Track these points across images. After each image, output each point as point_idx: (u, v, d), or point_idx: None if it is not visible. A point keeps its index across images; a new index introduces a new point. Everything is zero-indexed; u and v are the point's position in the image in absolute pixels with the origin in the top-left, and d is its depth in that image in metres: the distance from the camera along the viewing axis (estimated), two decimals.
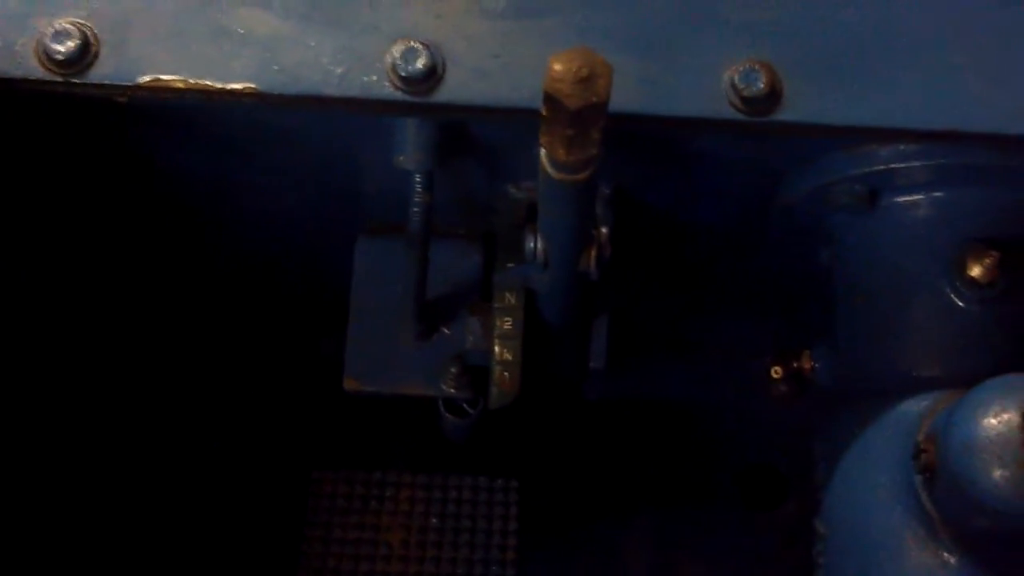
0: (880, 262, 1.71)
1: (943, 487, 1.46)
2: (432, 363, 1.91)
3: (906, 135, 1.52)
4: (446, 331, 1.92)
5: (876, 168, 1.64)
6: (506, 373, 1.77)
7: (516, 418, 2.17)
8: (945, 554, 1.52)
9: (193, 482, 2.22)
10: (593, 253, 1.54)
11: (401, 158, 1.66)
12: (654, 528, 2.29)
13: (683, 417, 2.38)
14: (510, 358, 1.76)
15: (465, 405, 1.97)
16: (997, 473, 1.34)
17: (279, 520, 2.18)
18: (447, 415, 1.98)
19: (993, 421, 1.36)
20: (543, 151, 1.24)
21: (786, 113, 1.50)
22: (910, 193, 1.67)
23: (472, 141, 1.67)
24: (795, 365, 1.90)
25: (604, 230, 1.56)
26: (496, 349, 1.77)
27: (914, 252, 1.68)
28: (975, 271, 1.61)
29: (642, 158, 1.70)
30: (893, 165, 1.63)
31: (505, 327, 1.76)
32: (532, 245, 1.54)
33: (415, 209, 1.72)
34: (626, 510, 2.29)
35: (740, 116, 1.49)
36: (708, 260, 2.00)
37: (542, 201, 1.42)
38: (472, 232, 1.93)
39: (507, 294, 1.77)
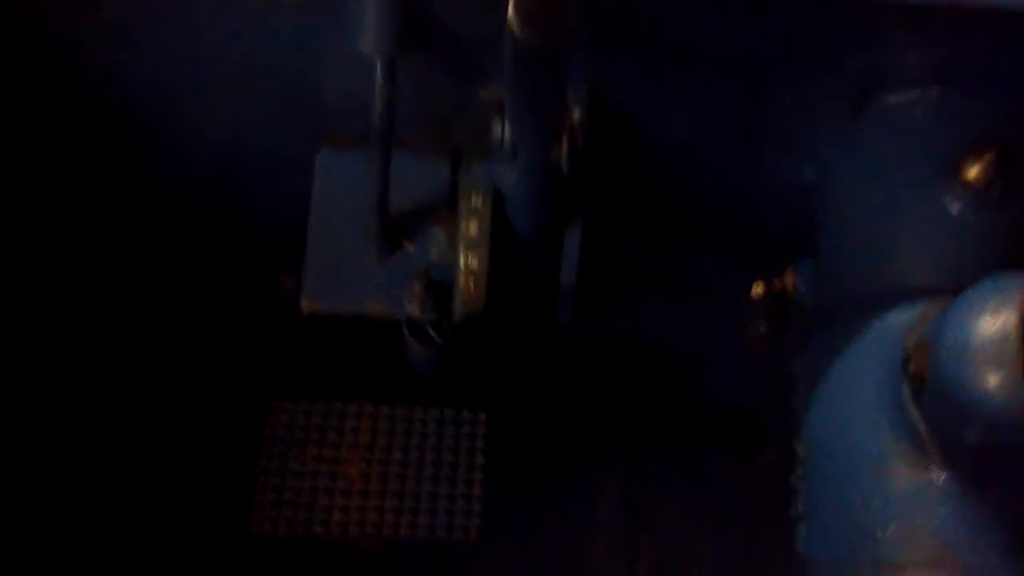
0: (870, 170, 1.62)
1: (933, 397, 1.36)
2: (395, 282, 1.81)
3: (903, 10, 1.41)
4: (410, 248, 1.82)
5: (867, 61, 1.54)
6: (472, 282, 1.67)
7: (484, 347, 2.10)
8: (934, 472, 1.43)
9: (147, 413, 2.12)
10: (565, 141, 1.43)
11: (362, 40, 1.55)
12: (627, 470, 2.18)
13: (660, 357, 2.28)
14: (476, 266, 1.66)
15: (431, 330, 1.86)
16: (991, 378, 1.24)
17: (234, 451, 2.07)
18: (412, 341, 1.87)
19: (988, 322, 1.26)
20: (511, 5, 1.14)
21: None
22: (902, 93, 1.57)
23: (437, 28, 1.56)
24: (778, 284, 1.80)
25: (577, 114, 1.45)
26: (461, 256, 1.66)
27: (906, 157, 1.58)
28: (971, 173, 1.52)
29: (621, 56, 1.59)
30: (886, 56, 1.52)
31: (471, 232, 1.66)
32: (500, 132, 1.43)
33: (378, 102, 1.60)
34: (599, 449, 2.18)
35: None
36: (688, 177, 1.90)
37: (509, 74, 1.31)
38: (439, 146, 1.82)
39: (473, 196, 1.67)
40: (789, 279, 1.78)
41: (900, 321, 1.49)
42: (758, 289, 1.83)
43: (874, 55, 1.52)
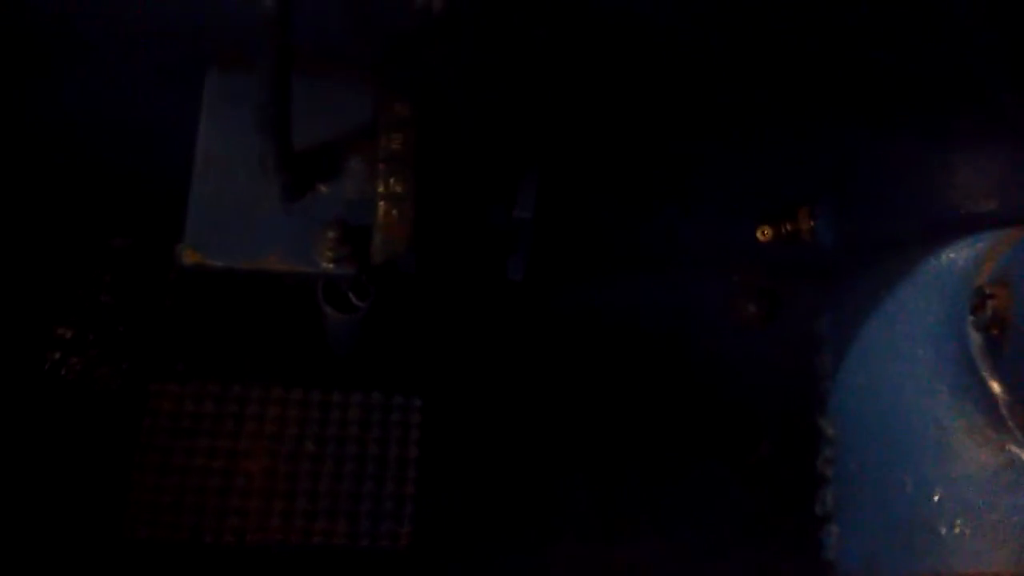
0: (923, 75, 1.26)
1: (1018, 344, 1.01)
2: (303, 229, 1.45)
3: None
4: (322, 188, 1.46)
5: None
6: (395, 211, 1.29)
7: (418, 314, 1.78)
8: (1013, 448, 1.08)
9: (18, 401, 1.79)
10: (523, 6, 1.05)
11: None
12: (595, 468, 1.84)
13: (633, 336, 1.95)
14: (400, 189, 1.29)
15: (351, 295, 1.52)
16: None
17: (107, 443, 1.71)
18: (328, 310, 1.52)
19: None
20: None
21: None
22: None
23: None
24: (788, 227, 1.46)
25: None
26: (382, 178, 1.29)
27: (968, 53, 1.23)
28: None
29: None
30: None
31: (394, 146, 1.28)
32: None
33: None
34: (557, 445, 1.85)
35: None
36: (672, 96, 1.53)
37: None
38: (358, 68, 1.46)
39: (396, 104, 1.29)
40: (803, 221, 1.43)
41: (962, 256, 1.17)
42: (765, 233, 1.48)
43: None
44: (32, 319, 1.85)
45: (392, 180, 1.30)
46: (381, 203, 1.31)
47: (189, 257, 1.44)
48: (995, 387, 1.08)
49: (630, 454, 1.88)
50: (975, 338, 1.08)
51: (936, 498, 1.11)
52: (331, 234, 1.41)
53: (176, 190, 1.60)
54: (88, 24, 1.50)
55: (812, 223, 1.45)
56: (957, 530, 1.10)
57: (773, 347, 1.91)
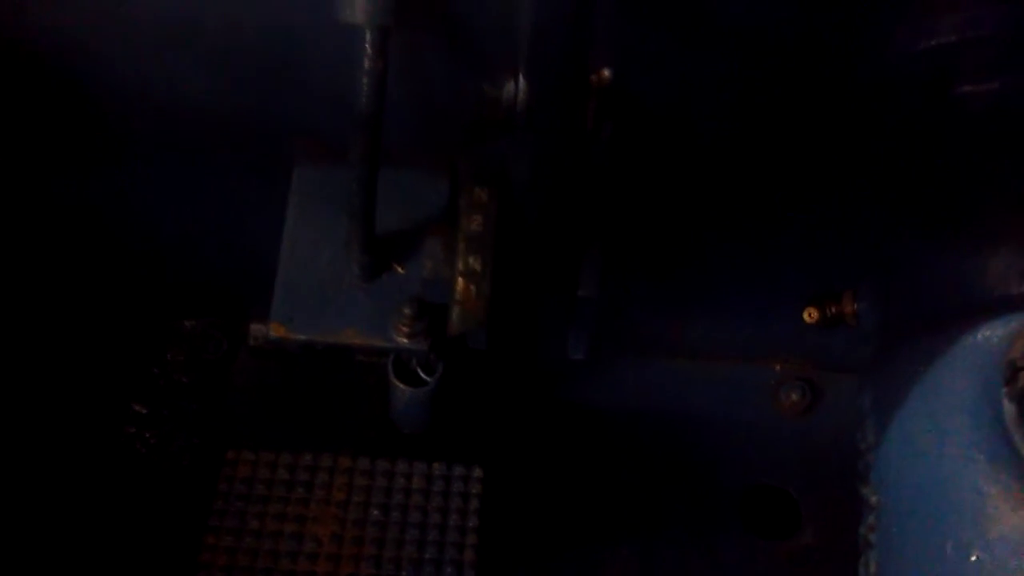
0: (952, 165, 1.36)
1: None
2: (380, 306, 1.55)
3: None
4: (399, 269, 1.56)
5: (944, 41, 1.30)
6: (472, 287, 1.39)
7: (482, 389, 1.85)
8: None
9: (94, 472, 1.87)
10: (593, 106, 1.16)
11: (348, 11, 1.30)
12: (641, 546, 1.90)
13: (678, 426, 2.02)
14: (478, 268, 1.39)
15: (420, 371, 1.61)
16: None
17: (182, 508, 1.80)
18: (398, 384, 1.60)
19: None
20: None
21: None
22: (983, 79, 1.33)
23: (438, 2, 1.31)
24: (833, 309, 1.54)
25: (607, 73, 1.18)
26: (461, 257, 1.39)
27: (995, 149, 1.33)
28: None
29: (659, 26, 1.34)
30: (965, 35, 1.29)
31: (473, 227, 1.39)
32: (513, 92, 1.17)
33: (364, 80, 1.34)
34: (608, 525, 1.90)
35: None
36: (726, 191, 1.64)
37: (527, 14, 1.05)
38: (437, 160, 1.58)
39: (477, 188, 1.40)
40: (847, 304, 1.51)
41: (996, 334, 1.24)
42: (811, 315, 1.56)
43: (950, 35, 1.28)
44: (110, 396, 1.93)
45: (471, 259, 1.40)
46: (460, 279, 1.41)
47: (275, 331, 1.55)
48: None
49: (674, 534, 1.92)
50: (1009, 409, 1.15)
51: (973, 559, 1.18)
52: (407, 311, 1.51)
53: (245, 278, 1.71)
54: (176, 124, 1.62)
55: (856, 306, 1.53)
56: None
57: (814, 436, 1.98)
